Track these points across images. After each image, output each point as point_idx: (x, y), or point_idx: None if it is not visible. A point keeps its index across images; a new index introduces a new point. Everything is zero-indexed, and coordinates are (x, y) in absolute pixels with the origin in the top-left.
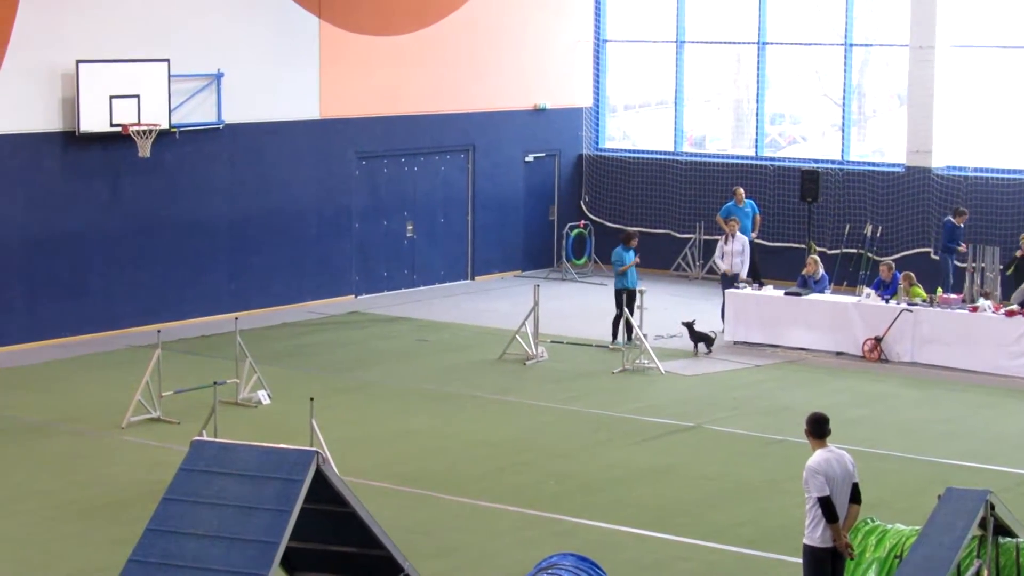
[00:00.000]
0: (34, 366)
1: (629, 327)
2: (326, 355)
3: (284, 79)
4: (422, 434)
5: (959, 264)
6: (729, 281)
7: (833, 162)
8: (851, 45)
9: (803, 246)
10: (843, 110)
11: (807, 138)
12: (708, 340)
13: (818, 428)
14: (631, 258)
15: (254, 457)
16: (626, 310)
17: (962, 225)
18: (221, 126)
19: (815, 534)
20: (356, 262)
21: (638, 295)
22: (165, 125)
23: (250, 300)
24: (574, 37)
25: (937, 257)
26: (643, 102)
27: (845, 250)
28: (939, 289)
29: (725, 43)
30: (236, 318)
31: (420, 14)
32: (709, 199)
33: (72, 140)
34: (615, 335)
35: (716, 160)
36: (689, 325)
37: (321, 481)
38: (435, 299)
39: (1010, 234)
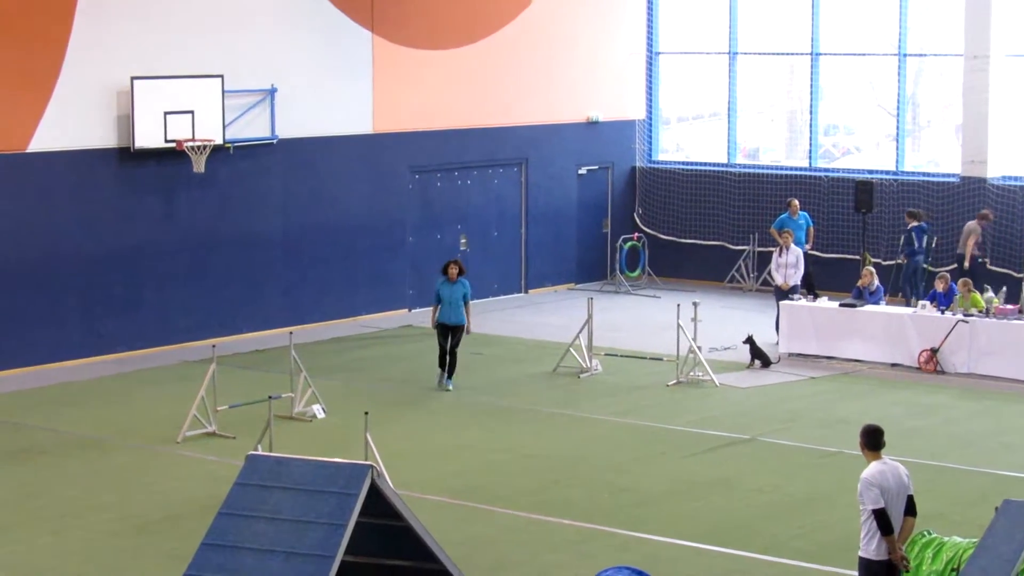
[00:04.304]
0: (90, 381)
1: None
2: (380, 369)
3: (337, 94)
4: (476, 448)
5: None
6: (783, 293)
7: (887, 172)
8: (905, 55)
9: (858, 257)
10: (897, 120)
11: (861, 149)
12: (766, 361)
13: (873, 440)
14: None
15: (309, 471)
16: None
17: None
18: (275, 141)
19: (870, 547)
20: (410, 276)
21: (692, 307)
22: (219, 140)
23: (304, 314)
24: (626, 49)
25: (989, 267)
26: (696, 114)
27: (900, 261)
28: (995, 299)
29: (778, 54)
30: (290, 332)
31: (472, 28)
32: (763, 211)
33: (127, 156)
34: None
35: (769, 172)
36: (750, 340)
37: (376, 495)
38: (489, 312)
39: None
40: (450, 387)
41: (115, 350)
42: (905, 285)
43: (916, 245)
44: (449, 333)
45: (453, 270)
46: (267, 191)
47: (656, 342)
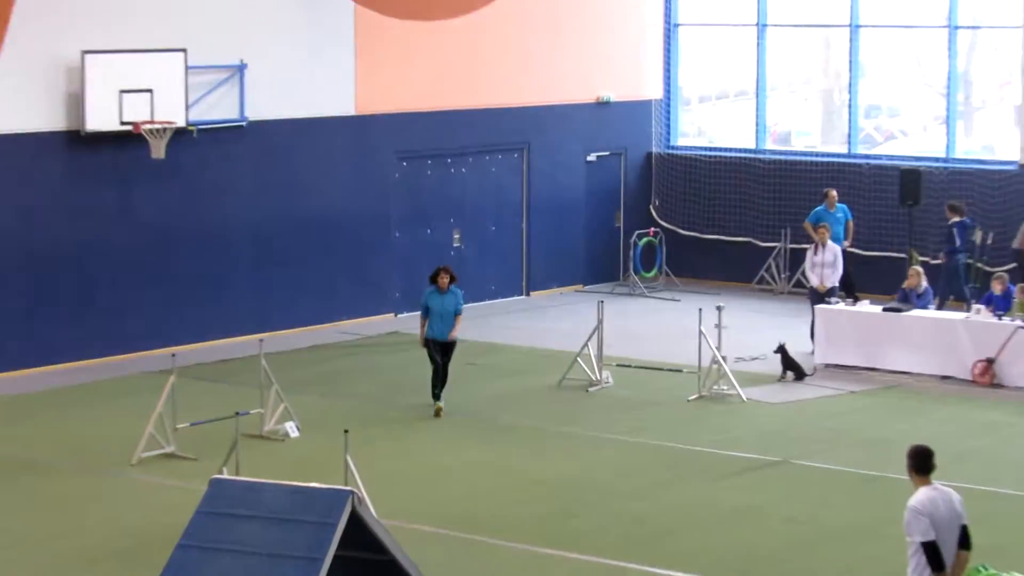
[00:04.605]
0: (33, 395)
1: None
2: (363, 382)
3: (315, 71)
4: (471, 471)
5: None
6: (819, 296)
7: (936, 160)
8: (956, 27)
9: (903, 255)
10: (947, 101)
11: (907, 133)
12: (799, 372)
13: (922, 463)
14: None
15: (281, 498)
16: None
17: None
18: (244, 124)
19: None
20: (397, 276)
21: (716, 312)
22: (181, 123)
23: (277, 320)
24: (642, 21)
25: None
26: (720, 93)
27: (939, 261)
28: None
29: (813, 26)
30: (261, 340)
31: None
32: (796, 203)
33: (77, 141)
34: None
35: (803, 159)
36: (782, 349)
37: (357, 525)
38: (485, 317)
39: None
40: (442, 408)
41: (62, 360)
42: (944, 287)
43: (958, 243)
44: (442, 349)
45: (444, 278)
46: (235, 180)
47: (675, 351)
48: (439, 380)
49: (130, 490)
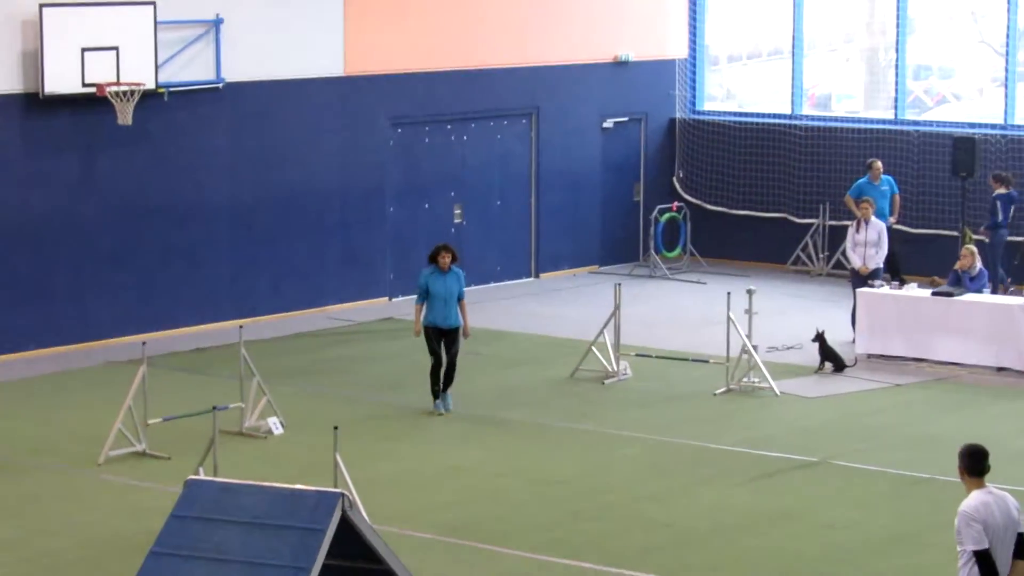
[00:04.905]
0: None
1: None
2: (353, 373)
3: (299, 26)
4: (474, 471)
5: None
6: (861, 278)
7: (993, 127)
8: None
9: (955, 233)
10: (1006, 61)
11: (960, 97)
12: (839, 364)
13: (975, 464)
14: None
15: (264, 501)
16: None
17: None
18: (221, 86)
19: None
20: (391, 256)
21: (746, 296)
22: (151, 85)
23: (257, 304)
24: None
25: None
26: (752, 52)
27: (1010, 239)
28: None
29: None
30: (240, 327)
31: None
32: (836, 175)
33: (35, 104)
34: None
35: (845, 125)
36: (820, 337)
37: (348, 531)
38: (490, 302)
39: None
40: (447, 408)
41: (18, 348)
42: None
43: (1001, 217)
44: (443, 338)
45: (446, 257)
46: (211, 149)
47: (700, 340)
48: (445, 375)
49: (97, 492)
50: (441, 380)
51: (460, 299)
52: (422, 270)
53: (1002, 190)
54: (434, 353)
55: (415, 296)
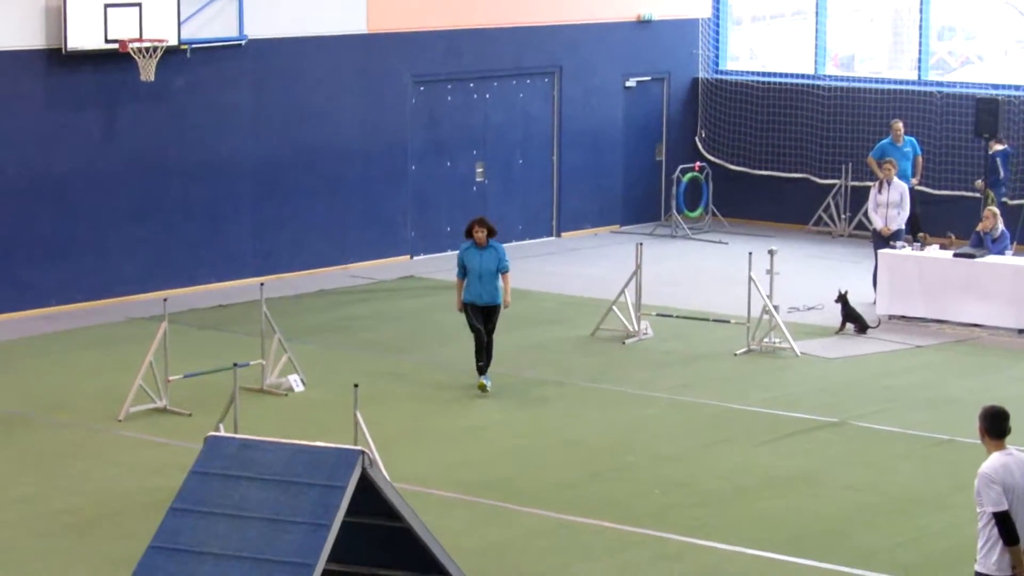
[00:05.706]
0: (10, 343)
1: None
2: (374, 330)
3: None
4: (494, 431)
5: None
6: (883, 240)
7: (1017, 88)
8: None
9: (978, 195)
10: None
11: (984, 58)
12: (861, 325)
13: (995, 425)
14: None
15: (284, 457)
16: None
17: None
18: (243, 42)
19: (990, 560)
20: (412, 214)
21: (768, 256)
22: (173, 41)
23: (279, 262)
24: None
25: None
26: (775, 12)
27: (1014, 201)
28: None
29: None
30: (262, 284)
31: None
32: (859, 136)
33: (57, 60)
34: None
35: (868, 86)
36: (842, 298)
37: (368, 488)
38: (511, 261)
39: None
40: (488, 385)
41: (43, 304)
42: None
43: (1002, 174)
44: (483, 316)
45: (480, 232)
46: (233, 106)
47: (722, 300)
48: (483, 352)
49: (117, 448)
50: (483, 356)
51: (503, 273)
52: (461, 244)
53: (999, 147)
54: (475, 329)
55: (438, 256)
